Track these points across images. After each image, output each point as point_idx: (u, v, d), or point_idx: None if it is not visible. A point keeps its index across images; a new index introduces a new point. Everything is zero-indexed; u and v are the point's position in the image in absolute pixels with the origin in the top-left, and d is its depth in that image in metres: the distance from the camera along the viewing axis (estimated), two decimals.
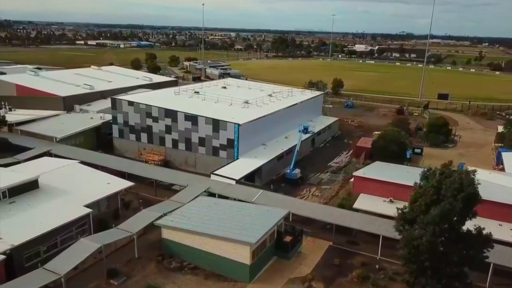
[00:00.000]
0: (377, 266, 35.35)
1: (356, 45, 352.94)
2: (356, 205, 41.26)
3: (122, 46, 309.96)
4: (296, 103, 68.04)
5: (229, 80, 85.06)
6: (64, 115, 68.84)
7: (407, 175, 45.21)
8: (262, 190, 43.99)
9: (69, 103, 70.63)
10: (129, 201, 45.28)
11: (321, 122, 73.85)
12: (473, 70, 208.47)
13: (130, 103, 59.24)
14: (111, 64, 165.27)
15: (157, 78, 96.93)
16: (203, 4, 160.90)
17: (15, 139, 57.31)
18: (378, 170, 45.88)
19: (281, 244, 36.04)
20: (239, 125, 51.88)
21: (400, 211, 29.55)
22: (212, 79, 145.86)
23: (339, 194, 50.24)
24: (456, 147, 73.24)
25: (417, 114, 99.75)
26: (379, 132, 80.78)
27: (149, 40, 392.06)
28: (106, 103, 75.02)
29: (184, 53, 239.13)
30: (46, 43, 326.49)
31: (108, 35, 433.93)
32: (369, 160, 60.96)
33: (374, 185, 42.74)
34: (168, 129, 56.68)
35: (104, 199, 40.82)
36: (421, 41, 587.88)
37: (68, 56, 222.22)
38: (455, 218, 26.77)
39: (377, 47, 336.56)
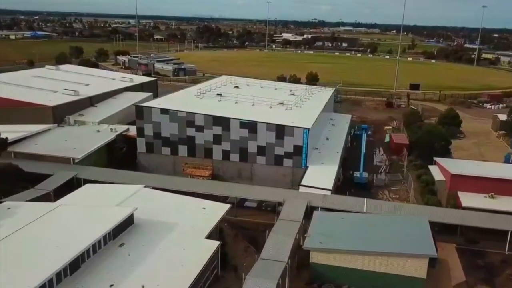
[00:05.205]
0: None
1: (283, 34, 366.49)
2: (464, 203, 45.12)
3: (12, 37, 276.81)
4: (327, 101, 70.09)
5: (234, 79, 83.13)
6: (58, 129, 61.27)
7: (483, 169, 51.01)
8: (365, 199, 45.45)
9: (59, 114, 62.87)
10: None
11: (341, 120, 77.02)
12: (410, 59, 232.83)
13: (164, 111, 55.21)
14: (31, 60, 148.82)
15: (138, 79, 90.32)
16: None
17: (22, 164, 49.38)
18: (466, 167, 50.41)
19: None
20: (308, 129, 52.22)
21: None
22: (164, 76, 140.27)
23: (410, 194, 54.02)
24: (466, 137, 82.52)
25: (404, 106, 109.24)
26: (390, 127, 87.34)
27: (44, 29, 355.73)
28: (100, 111, 68.97)
29: (97, 44, 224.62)
30: None
31: None
32: (410, 157, 66.15)
33: (473, 182, 47.13)
34: (217, 139, 54.36)
35: None
36: (335, 29, 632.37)
37: None
38: None
39: (307, 36, 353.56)
